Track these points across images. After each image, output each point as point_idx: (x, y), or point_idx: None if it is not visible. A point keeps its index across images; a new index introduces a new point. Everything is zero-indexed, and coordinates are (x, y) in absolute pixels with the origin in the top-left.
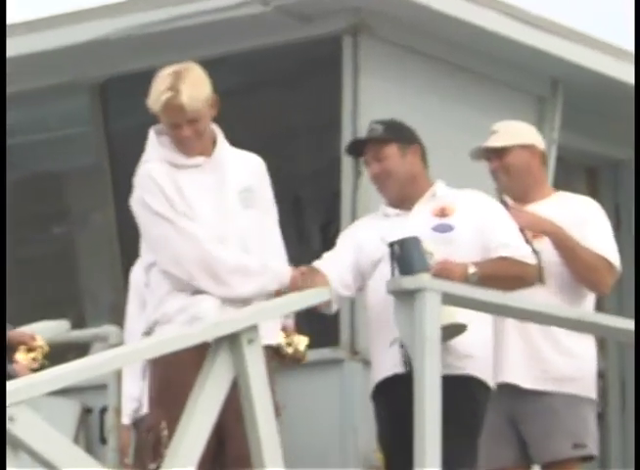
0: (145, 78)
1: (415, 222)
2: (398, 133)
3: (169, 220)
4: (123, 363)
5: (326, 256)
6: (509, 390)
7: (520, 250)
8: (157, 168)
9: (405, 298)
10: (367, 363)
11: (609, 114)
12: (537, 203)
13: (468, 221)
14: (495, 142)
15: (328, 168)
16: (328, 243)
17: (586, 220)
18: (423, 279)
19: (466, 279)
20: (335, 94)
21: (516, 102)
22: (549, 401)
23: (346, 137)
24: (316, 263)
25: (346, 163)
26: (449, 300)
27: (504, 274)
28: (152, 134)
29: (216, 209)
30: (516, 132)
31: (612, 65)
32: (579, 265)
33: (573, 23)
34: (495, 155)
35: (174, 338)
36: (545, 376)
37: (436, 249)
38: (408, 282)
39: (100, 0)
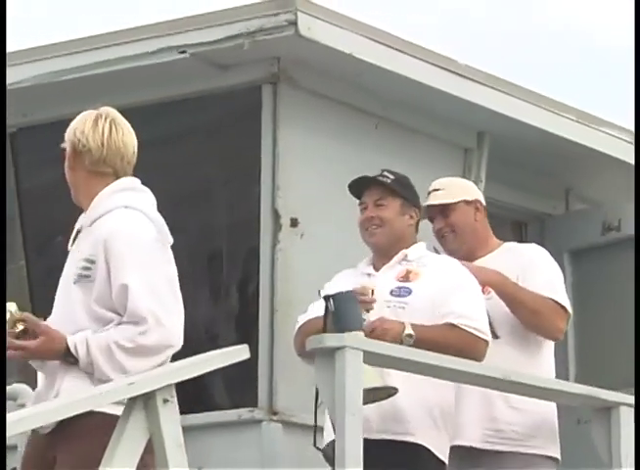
0: (57, 128)
1: (376, 286)
2: (407, 191)
3: None
4: (34, 424)
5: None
6: (465, 450)
7: (472, 321)
8: None
9: (326, 356)
10: (287, 424)
11: (536, 166)
12: (483, 258)
13: (428, 287)
14: (441, 199)
15: (246, 222)
16: (246, 301)
17: (532, 265)
18: (344, 337)
19: (400, 340)
20: (254, 144)
21: (440, 153)
22: (501, 463)
23: (266, 189)
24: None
25: (266, 217)
26: (371, 358)
27: (445, 343)
28: None
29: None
30: (460, 188)
31: (539, 116)
32: (526, 311)
33: (501, 73)
34: (440, 214)
35: (88, 398)
36: (498, 435)
37: (392, 312)
38: (329, 340)
39: (9, 46)
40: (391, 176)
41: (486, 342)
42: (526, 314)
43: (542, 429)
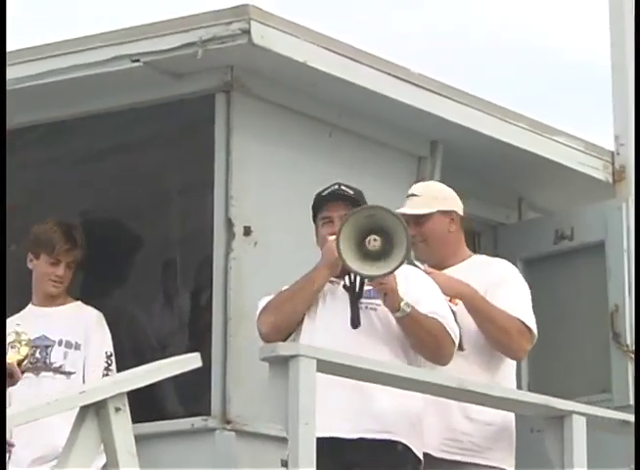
0: (10, 137)
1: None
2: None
3: None
4: None
5: None
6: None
7: (451, 324)
8: None
9: (279, 364)
10: (240, 433)
11: (489, 175)
12: (453, 268)
13: (400, 288)
14: (416, 209)
15: (200, 231)
16: (199, 310)
17: (502, 282)
18: (297, 346)
19: (398, 306)
20: (207, 153)
21: (394, 162)
22: None
23: (219, 198)
24: None
25: (219, 226)
26: (325, 367)
27: (430, 330)
28: None
29: None
30: (436, 198)
31: (493, 125)
32: (493, 328)
33: (455, 82)
34: (414, 221)
35: (40, 406)
36: (456, 445)
37: (364, 314)
38: (282, 348)
39: None
40: (350, 191)
41: (455, 345)
42: (494, 332)
43: (500, 441)
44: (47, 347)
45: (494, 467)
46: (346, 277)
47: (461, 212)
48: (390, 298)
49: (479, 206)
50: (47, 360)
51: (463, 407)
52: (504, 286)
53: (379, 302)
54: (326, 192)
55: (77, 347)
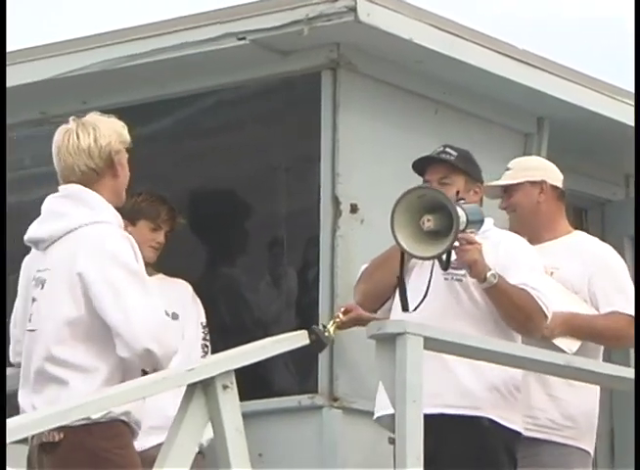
0: (120, 114)
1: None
2: (469, 166)
3: None
4: (90, 412)
5: None
6: None
7: (542, 296)
8: None
9: (386, 342)
10: (347, 410)
11: (595, 152)
12: (549, 243)
13: (488, 259)
14: (502, 180)
15: (307, 209)
16: (306, 287)
17: (607, 271)
18: (404, 324)
19: (484, 277)
20: (313, 131)
21: (500, 139)
22: (536, 450)
23: (325, 175)
24: None
25: (325, 203)
26: (431, 344)
27: (518, 302)
28: None
29: None
30: (526, 168)
31: (599, 101)
32: (605, 342)
33: (561, 59)
34: (505, 193)
35: (148, 384)
36: (532, 421)
37: (449, 286)
38: (389, 326)
39: (71, 33)
40: (454, 153)
41: (547, 319)
42: (608, 342)
43: (579, 420)
44: None
45: (571, 446)
46: None
47: (556, 184)
48: (474, 269)
49: (585, 182)
50: None
51: (544, 384)
52: (610, 277)
53: (464, 272)
54: (427, 156)
55: (175, 316)
